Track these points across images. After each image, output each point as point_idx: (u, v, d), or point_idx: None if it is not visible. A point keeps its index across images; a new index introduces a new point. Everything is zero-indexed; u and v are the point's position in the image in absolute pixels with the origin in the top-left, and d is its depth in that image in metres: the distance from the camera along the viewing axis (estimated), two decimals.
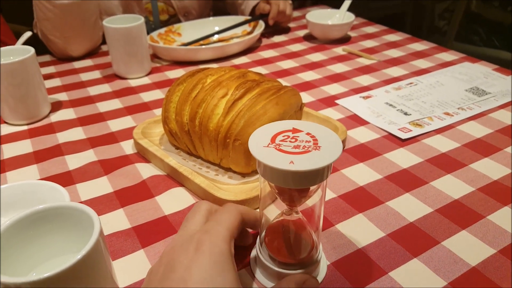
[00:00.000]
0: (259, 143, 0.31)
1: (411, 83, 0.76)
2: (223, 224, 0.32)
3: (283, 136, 0.33)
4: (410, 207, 0.46)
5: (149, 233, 0.43)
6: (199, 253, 0.29)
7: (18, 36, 0.79)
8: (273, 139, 0.32)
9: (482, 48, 1.94)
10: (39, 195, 0.42)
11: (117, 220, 0.45)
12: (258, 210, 0.39)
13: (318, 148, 0.31)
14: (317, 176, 0.31)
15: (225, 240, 0.31)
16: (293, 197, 0.34)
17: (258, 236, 0.39)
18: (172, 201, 0.48)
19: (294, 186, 0.31)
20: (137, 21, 0.77)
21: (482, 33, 2.06)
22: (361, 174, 0.52)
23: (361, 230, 0.43)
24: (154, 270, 0.31)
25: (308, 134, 0.33)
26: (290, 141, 0.32)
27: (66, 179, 0.52)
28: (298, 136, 0.33)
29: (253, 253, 0.41)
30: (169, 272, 0.29)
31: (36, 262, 0.33)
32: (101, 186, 0.50)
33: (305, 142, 0.32)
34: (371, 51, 0.92)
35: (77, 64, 0.87)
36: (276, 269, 0.37)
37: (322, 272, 0.38)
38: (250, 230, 0.41)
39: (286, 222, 0.38)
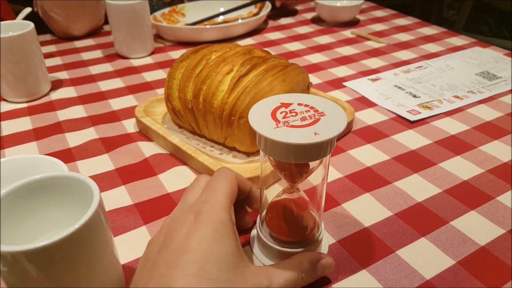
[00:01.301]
0: (267, 126, 0.29)
1: (420, 67, 0.74)
2: (220, 192, 0.31)
3: (281, 113, 0.31)
4: (418, 188, 0.45)
5: (152, 210, 0.42)
6: (198, 223, 0.28)
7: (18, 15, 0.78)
8: (275, 119, 0.30)
9: (492, 38, 1.91)
10: (39, 169, 0.41)
11: (119, 197, 0.44)
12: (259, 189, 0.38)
13: (323, 114, 0.30)
14: (329, 144, 0.30)
15: (224, 208, 0.30)
16: (294, 173, 0.33)
17: (259, 215, 0.38)
18: (175, 179, 0.47)
19: (318, 157, 0.30)
20: None
21: (491, 23, 2.02)
22: (369, 155, 0.51)
23: (367, 210, 0.42)
24: (153, 241, 0.30)
25: (300, 104, 0.32)
26: (293, 116, 0.31)
27: (66, 156, 0.51)
28: (294, 109, 0.31)
29: (253, 232, 0.40)
30: (168, 242, 0.28)
31: (34, 234, 0.32)
32: (102, 163, 0.49)
33: (306, 112, 0.31)
34: (380, 34, 0.90)
35: (79, 44, 0.86)
36: (276, 247, 0.36)
37: (323, 251, 0.38)
38: (249, 209, 0.40)
39: (287, 200, 0.37)
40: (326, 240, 0.39)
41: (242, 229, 0.39)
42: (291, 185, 0.35)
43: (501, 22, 1.95)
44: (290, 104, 0.32)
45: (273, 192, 0.39)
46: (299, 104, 0.32)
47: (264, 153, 0.31)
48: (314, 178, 0.36)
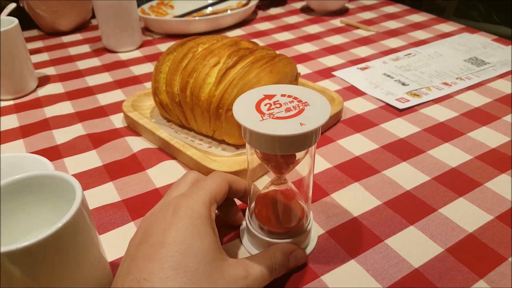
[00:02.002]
0: (253, 119, 0.29)
1: (409, 54, 0.74)
2: (204, 188, 0.31)
3: (265, 105, 0.31)
4: (406, 176, 0.45)
5: (140, 205, 0.42)
6: (175, 216, 0.28)
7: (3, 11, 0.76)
8: (260, 111, 0.30)
9: (482, 24, 1.91)
10: (23, 168, 0.40)
11: (107, 194, 0.44)
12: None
13: (306, 104, 0.30)
14: (312, 137, 0.29)
15: (204, 203, 0.30)
16: (280, 165, 0.33)
17: (248, 207, 0.38)
18: (164, 174, 0.47)
19: (304, 147, 0.30)
20: None
21: (481, 8, 2.01)
22: (357, 145, 0.51)
23: (356, 199, 0.42)
24: (133, 237, 0.30)
25: (283, 95, 0.32)
26: (277, 107, 0.30)
27: (53, 153, 0.50)
28: (278, 100, 0.31)
29: (243, 224, 0.40)
30: (147, 236, 0.28)
31: (19, 235, 0.31)
32: (90, 160, 0.49)
33: (290, 103, 0.31)
34: (369, 22, 0.89)
35: (66, 39, 0.84)
36: (265, 238, 0.36)
37: (312, 241, 0.38)
38: (239, 202, 0.40)
39: (275, 191, 0.37)
40: (316, 230, 0.39)
41: (234, 225, 0.39)
42: (278, 176, 0.35)
43: (491, 7, 1.95)
44: (273, 96, 0.32)
45: (262, 184, 0.39)
46: (283, 95, 0.32)
47: (250, 145, 0.31)
48: (302, 169, 0.36)
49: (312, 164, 0.35)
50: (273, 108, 0.30)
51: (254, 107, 0.31)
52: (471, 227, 0.39)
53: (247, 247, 0.37)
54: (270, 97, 0.32)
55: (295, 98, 0.31)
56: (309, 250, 0.37)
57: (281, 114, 0.30)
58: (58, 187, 0.30)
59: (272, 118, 0.29)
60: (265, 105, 0.31)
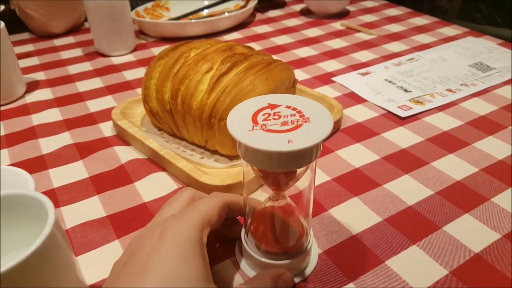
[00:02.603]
0: (243, 127, 0.27)
1: (412, 59, 0.71)
2: (197, 210, 0.29)
3: (263, 114, 0.29)
4: (409, 190, 0.43)
5: (125, 222, 0.40)
6: (162, 239, 0.26)
7: None
8: (255, 121, 0.28)
9: (485, 26, 1.88)
10: (1, 181, 0.38)
11: (91, 208, 0.41)
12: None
13: (307, 120, 0.28)
14: (312, 153, 0.27)
15: (195, 226, 0.27)
16: (279, 181, 0.31)
17: (244, 224, 0.36)
18: (153, 187, 0.44)
19: (292, 167, 0.28)
20: None
21: (484, 10, 1.99)
22: (357, 155, 0.48)
23: (356, 215, 0.40)
24: (118, 260, 0.27)
25: (288, 107, 0.29)
26: (274, 119, 0.28)
27: (38, 164, 0.48)
28: (279, 112, 0.29)
29: (238, 242, 0.37)
30: (130, 261, 0.26)
31: None
32: (76, 171, 0.47)
33: (290, 116, 0.28)
34: (370, 26, 0.87)
35: (58, 42, 0.82)
36: (263, 259, 0.33)
37: (313, 261, 0.35)
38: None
39: (273, 208, 0.34)
40: (316, 249, 0.37)
41: (234, 238, 0.37)
42: (276, 192, 0.33)
43: (494, 9, 1.92)
44: (277, 106, 0.30)
45: (258, 197, 0.36)
46: (287, 107, 0.30)
47: (241, 157, 0.29)
48: (301, 183, 0.33)
49: (313, 177, 0.32)
50: (269, 119, 0.28)
51: (251, 115, 0.29)
52: (477, 247, 0.36)
53: (242, 268, 0.35)
54: (273, 106, 0.30)
55: (299, 112, 0.29)
56: (308, 271, 0.35)
57: (274, 127, 0.27)
58: (30, 207, 0.28)
59: (263, 129, 0.27)
60: (264, 114, 0.29)
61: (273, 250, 0.34)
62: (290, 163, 0.27)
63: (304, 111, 0.29)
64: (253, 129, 0.27)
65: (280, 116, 0.28)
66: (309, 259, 0.35)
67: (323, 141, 0.28)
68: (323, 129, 0.27)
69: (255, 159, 0.27)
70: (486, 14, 1.96)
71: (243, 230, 0.36)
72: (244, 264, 0.35)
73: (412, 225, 0.39)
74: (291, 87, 0.52)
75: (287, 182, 0.31)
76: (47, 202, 0.26)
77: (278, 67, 0.48)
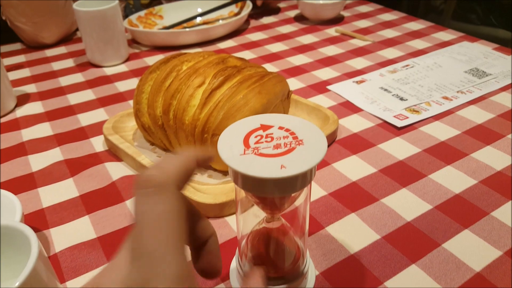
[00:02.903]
0: (234, 151, 0.26)
1: (407, 65, 0.71)
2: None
3: (255, 137, 0.28)
4: (407, 204, 0.42)
5: (116, 244, 0.39)
6: None
7: None
8: (246, 143, 0.27)
9: (479, 26, 1.88)
10: None
11: (81, 229, 0.40)
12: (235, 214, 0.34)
13: (301, 142, 0.27)
14: (306, 177, 0.26)
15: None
16: (274, 205, 0.30)
17: (238, 247, 0.35)
18: None
19: (285, 192, 0.27)
20: (111, 3, 0.71)
21: (479, 11, 1.99)
22: (354, 168, 0.47)
23: (353, 233, 0.39)
24: None
25: (281, 128, 0.28)
26: (267, 141, 0.27)
27: (27, 182, 0.47)
28: (272, 133, 0.28)
29: (233, 264, 0.36)
30: None
31: None
32: (66, 189, 0.46)
33: (283, 138, 0.27)
34: (365, 31, 0.86)
35: (50, 52, 0.81)
36: None
37: (310, 284, 0.34)
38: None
39: (267, 230, 0.33)
40: (313, 270, 0.36)
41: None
42: (271, 215, 0.32)
43: (489, 10, 1.92)
44: (270, 127, 0.29)
45: (251, 217, 0.35)
46: (280, 128, 0.28)
47: (233, 182, 0.28)
48: (297, 200, 0.32)
49: (308, 194, 0.31)
50: (262, 142, 0.27)
51: (243, 137, 0.28)
52: (478, 265, 0.36)
53: None
54: (266, 127, 0.29)
55: (292, 133, 0.28)
56: None
57: (267, 150, 0.26)
58: (15, 237, 0.27)
59: (255, 154, 0.26)
60: (256, 136, 0.28)
61: (269, 275, 0.33)
62: (283, 188, 0.26)
63: (298, 132, 0.28)
64: (244, 153, 0.26)
65: (272, 138, 0.27)
66: (306, 282, 0.34)
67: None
68: (316, 153, 0.26)
69: (248, 184, 0.26)
70: (481, 14, 1.96)
71: (236, 253, 0.35)
72: None
73: (411, 243, 0.38)
74: (285, 99, 0.51)
75: (282, 205, 0.30)
76: (30, 233, 0.25)
77: (272, 80, 0.48)
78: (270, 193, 0.26)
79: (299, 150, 0.26)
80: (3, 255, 0.27)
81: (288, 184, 0.26)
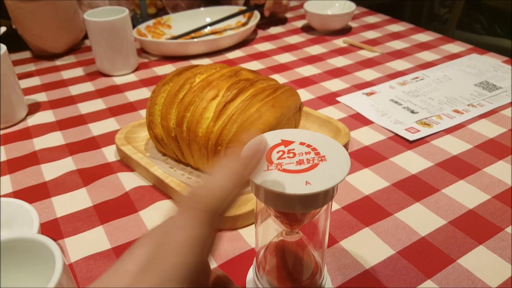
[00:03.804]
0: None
1: (416, 78, 0.71)
2: (166, 272, 0.18)
3: (277, 152, 0.28)
4: (421, 219, 0.42)
5: None
6: None
7: None
8: (269, 159, 0.27)
9: (484, 36, 1.89)
10: (5, 214, 0.37)
11: (96, 240, 0.40)
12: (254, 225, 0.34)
13: (323, 158, 0.27)
14: (328, 193, 0.26)
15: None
16: (295, 219, 0.30)
17: (255, 258, 0.35)
18: (158, 216, 0.43)
19: (308, 208, 0.27)
20: (121, 13, 0.72)
21: (484, 21, 2.00)
22: (367, 182, 0.47)
23: (368, 247, 0.39)
24: None
25: (302, 144, 0.28)
26: (289, 157, 0.27)
27: (41, 191, 0.47)
28: (293, 149, 0.28)
29: (249, 276, 0.36)
30: None
31: None
32: (79, 199, 0.46)
33: (305, 154, 0.27)
34: (373, 42, 0.86)
35: (59, 61, 0.81)
36: None
37: None
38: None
39: (286, 243, 0.33)
40: (330, 285, 0.35)
41: None
42: (290, 229, 0.32)
43: (494, 19, 1.93)
44: (291, 143, 0.29)
45: (270, 229, 0.35)
46: (301, 144, 0.29)
47: (255, 196, 0.28)
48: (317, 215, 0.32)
49: (329, 208, 0.31)
50: (284, 158, 0.27)
51: (266, 162, 0.28)
52: (493, 282, 0.35)
53: None
54: (287, 143, 0.29)
55: (314, 149, 0.28)
56: None
57: (290, 166, 0.26)
58: (35, 249, 0.27)
59: (278, 169, 0.26)
60: (278, 152, 0.28)
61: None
62: (307, 204, 0.26)
63: (319, 148, 0.28)
64: (268, 169, 0.26)
65: (295, 154, 0.28)
66: None
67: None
68: (340, 169, 0.26)
69: (270, 200, 0.26)
70: (485, 24, 1.97)
71: (254, 265, 0.35)
72: None
73: (426, 258, 0.38)
74: (297, 111, 0.51)
75: (302, 220, 0.30)
76: (53, 246, 0.25)
77: (284, 93, 0.48)
78: (293, 208, 0.26)
79: (322, 167, 0.26)
80: (24, 267, 0.28)
81: (312, 200, 0.26)
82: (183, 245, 0.18)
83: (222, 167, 0.21)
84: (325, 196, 0.26)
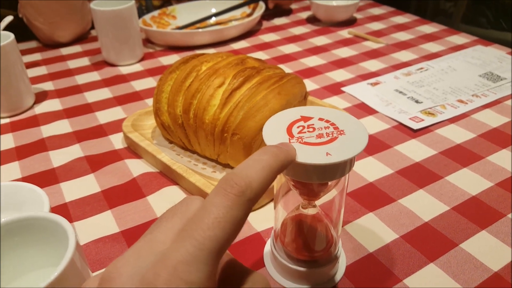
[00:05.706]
0: (279, 140, 0.27)
1: (421, 68, 0.71)
2: (200, 242, 0.18)
3: (298, 127, 0.28)
4: (424, 205, 0.43)
5: (139, 237, 0.39)
6: None
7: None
8: (290, 133, 0.28)
9: (490, 30, 1.88)
10: (17, 198, 0.38)
11: (105, 224, 0.41)
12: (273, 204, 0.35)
13: (342, 132, 0.28)
14: (346, 165, 0.27)
15: (202, 273, 0.18)
16: (312, 191, 0.31)
17: (273, 230, 0.36)
18: (165, 201, 0.44)
19: (326, 179, 0.28)
20: (127, 3, 0.72)
21: (489, 15, 1.98)
22: (371, 169, 0.48)
23: (372, 232, 0.40)
24: None
25: (321, 119, 0.29)
26: (309, 131, 0.28)
27: (49, 177, 0.48)
28: (313, 124, 0.29)
29: (267, 248, 0.38)
30: None
31: (7, 279, 0.29)
32: (88, 185, 0.46)
33: (325, 128, 0.28)
34: (378, 34, 0.86)
35: (65, 51, 0.82)
36: (293, 266, 0.34)
37: (341, 269, 0.36)
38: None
39: (303, 216, 0.35)
40: (344, 258, 0.37)
41: None
42: (308, 202, 0.33)
43: (499, 13, 1.92)
44: (310, 118, 0.30)
45: (287, 204, 0.35)
46: (320, 119, 0.29)
47: (287, 176, 0.29)
48: (331, 192, 0.33)
49: (345, 186, 0.32)
50: (305, 132, 0.28)
51: (286, 127, 0.29)
52: (495, 265, 0.36)
53: (272, 274, 0.36)
54: (306, 119, 0.30)
55: (332, 124, 0.29)
56: (337, 278, 0.35)
57: (311, 139, 0.27)
58: (49, 228, 0.28)
59: (299, 142, 0.27)
60: (298, 127, 0.29)
61: (303, 258, 0.34)
62: (326, 175, 0.27)
63: (338, 123, 0.29)
64: (290, 142, 0.27)
65: (314, 129, 0.28)
66: (338, 266, 0.35)
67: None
68: (359, 142, 0.27)
69: (293, 171, 0.27)
70: (491, 18, 1.95)
71: (271, 236, 0.36)
72: (273, 271, 0.36)
73: (429, 242, 0.38)
74: (302, 100, 0.51)
75: (319, 192, 0.31)
76: (67, 225, 0.26)
77: (291, 81, 0.48)
78: (314, 179, 0.27)
79: (341, 139, 0.27)
80: (40, 245, 0.28)
81: (331, 171, 0.27)
82: (221, 220, 0.18)
83: (256, 160, 0.22)
84: (342, 168, 0.27)
